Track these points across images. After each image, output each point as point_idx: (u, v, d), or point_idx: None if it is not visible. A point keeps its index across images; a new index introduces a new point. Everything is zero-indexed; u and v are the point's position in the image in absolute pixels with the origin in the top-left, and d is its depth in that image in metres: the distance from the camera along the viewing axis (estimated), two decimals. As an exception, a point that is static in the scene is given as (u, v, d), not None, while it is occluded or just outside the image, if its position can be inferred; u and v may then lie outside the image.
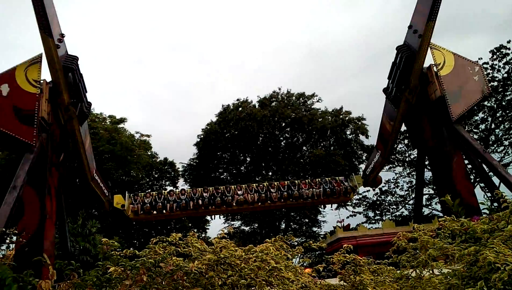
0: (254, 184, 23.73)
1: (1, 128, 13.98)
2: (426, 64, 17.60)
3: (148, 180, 38.49)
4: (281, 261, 4.51)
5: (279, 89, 42.89)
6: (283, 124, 40.82)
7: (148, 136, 38.30)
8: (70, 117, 16.45)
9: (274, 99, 42.31)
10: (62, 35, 15.02)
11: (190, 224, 37.28)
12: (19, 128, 14.13)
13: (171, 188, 39.46)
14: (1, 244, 14.60)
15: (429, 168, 23.22)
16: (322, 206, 37.45)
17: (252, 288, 4.24)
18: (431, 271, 5.32)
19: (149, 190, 37.15)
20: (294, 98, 42.27)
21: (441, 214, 24.31)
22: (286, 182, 23.85)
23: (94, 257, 20.96)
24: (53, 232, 15.81)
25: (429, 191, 36.47)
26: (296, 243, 38.11)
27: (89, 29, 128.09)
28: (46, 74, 15.46)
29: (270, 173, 41.41)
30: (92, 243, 23.21)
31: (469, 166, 22.51)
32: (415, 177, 26.75)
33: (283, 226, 41.51)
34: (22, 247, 12.97)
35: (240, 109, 40.51)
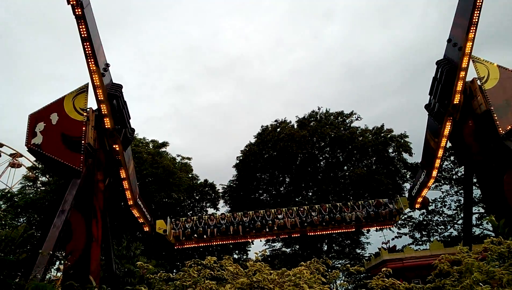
0: (295, 208, 23.39)
1: (50, 154, 14.78)
2: (469, 78, 17.00)
3: (189, 202, 39.07)
4: (316, 286, 4.40)
5: (318, 108, 42.76)
6: (322, 144, 40.40)
7: (189, 158, 39.21)
8: (115, 143, 17.11)
9: (312, 119, 42.12)
10: (107, 65, 15.83)
11: (231, 246, 37.27)
12: (67, 154, 14.87)
13: (212, 209, 39.89)
14: (51, 266, 15.17)
15: (477, 185, 22.09)
16: (365, 230, 36.41)
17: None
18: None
19: (190, 213, 37.72)
20: (332, 117, 41.89)
21: (493, 234, 22.91)
22: (327, 205, 23.31)
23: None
24: (99, 254, 16.31)
25: (479, 209, 34.57)
26: (339, 265, 37.18)
27: (133, 58, 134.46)
28: (92, 102, 16.31)
29: (310, 194, 40.86)
30: (136, 265, 23.65)
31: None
32: (463, 196, 25.49)
33: (325, 247, 40.61)
34: (69, 269, 13.43)
35: (278, 130, 40.60)
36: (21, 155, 45.19)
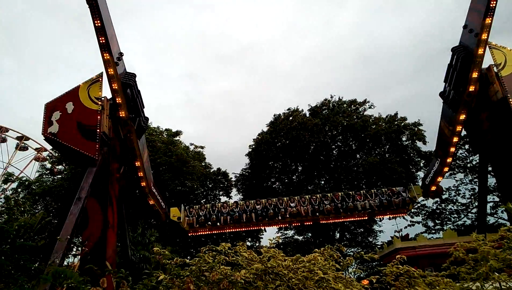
0: (307, 196, 23.44)
1: (66, 143, 15.04)
2: (485, 65, 16.68)
3: (202, 190, 39.39)
4: (330, 272, 4.46)
5: (331, 97, 42.46)
6: (335, 132, 40.20)
7: (202, 147, 39.44)
8: (129, 131, 17.31)
9: (325, 107, 41.87)
10: (121, 54, 15.93)
11: (244, 233, 37.59)
12: (83, 143, 15.11)
13: (225, 198, 40.16)
14: (69, 252, 15.51)
15: (492, 174, 21.80)
16: (378, 218, 36.32)
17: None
18: (494, 284, 5.01)
19: (203, 201, 38.06)
20: (345, 105, 41.57)
21: (508, 223, 22.67)
22: (340, 193, 23.29)
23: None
24: (114, 240, 16.63)
25: (493, 198, 34.11)
26: (351, 253, 37.24)
27: (145, 47, 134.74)
28: (107, 91, 16.49)
29: (323, 182, 40.81)
30: (151, 251, 24.05)
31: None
32: (478, 184, 25.20)
33: (337, 236, 40.68)
34: (86, 255, 13.73)
35: (291, 118, 40.46)
36: (46, 149, 45.97)
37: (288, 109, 41.77)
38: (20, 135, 50.61)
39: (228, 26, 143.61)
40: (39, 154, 49.27)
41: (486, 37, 14.70)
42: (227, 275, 4.13)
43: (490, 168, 20.13)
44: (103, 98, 16.37)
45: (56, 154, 34.36)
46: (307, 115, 41.21)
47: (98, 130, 15.38)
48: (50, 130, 15.26)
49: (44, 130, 15.31)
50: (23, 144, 50.23)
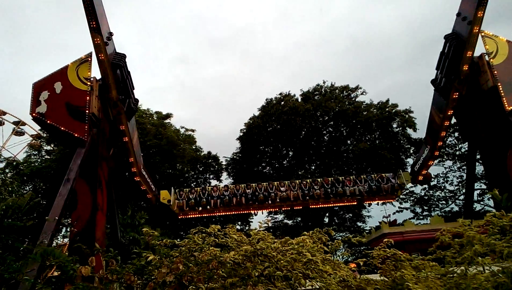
0: (297, 181, 23.55)
1: (55, 124, 14.83)
2: (477, 53, 16.73)
3: (192, 173, 39.30)
4: (318, 254, 4.50)
5: (323, 82, 42.36)
6: (326, 118, 40.26)
7: (193, 130, 39.15)
8: (119, 113, 17.12)
9: (317, 92, 41.82)
10: (111, 34, 15.63)
11: (234, 217, 37.74)
12: (72, 123, 14.92)
13: (215, 181, 40.18)
14: (57, 233, 15.43)
15: (480, 161, 22.09)
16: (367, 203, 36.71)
17: (290, 280, 4.25)
18: (477, 268, 5.10)
19: (194, 184, 38.04)
20: (337, 91, 41.55)
21: (494, 210, 23.06)
22: (329, 178, 23.42)
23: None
24: (104, 222, 16.58)
25: (481, 186, 34.67)
26: (340, 237, 37.66)
27: (137, 29, 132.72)
28: (96, 72, 16.21)
29: (313, 167, 41.01)
30: (140, 233, 24.04)
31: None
32: (466, 171, 25.54)
33: (326, 220, 41.10)
34: (75, 236, 13.69)
35: (282, 103, 40.38)
36: (41, 136, 45.14)
37: (280, 94, 41.68)
38: (17, 120, 49.73)
39: (222, 10, 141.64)
40: (34, 141, 48.50)
41: (481, 14, 14.56)
42: (217, 256, 4.15)
43: (478, 156, 20.40)
44: (92, 79, 16.09)
45: (45, 135, 33.94)
46: (299, 100, 41.16)
47: (87, 111, 15.17)
48: (38, 110, 15.02)
49: (32, 110, 15.06)
50: (19, 129, 49.39)
